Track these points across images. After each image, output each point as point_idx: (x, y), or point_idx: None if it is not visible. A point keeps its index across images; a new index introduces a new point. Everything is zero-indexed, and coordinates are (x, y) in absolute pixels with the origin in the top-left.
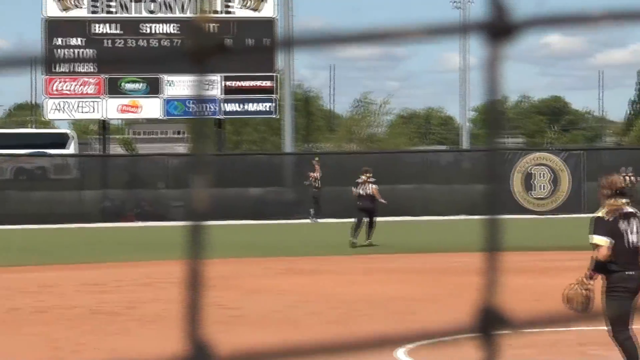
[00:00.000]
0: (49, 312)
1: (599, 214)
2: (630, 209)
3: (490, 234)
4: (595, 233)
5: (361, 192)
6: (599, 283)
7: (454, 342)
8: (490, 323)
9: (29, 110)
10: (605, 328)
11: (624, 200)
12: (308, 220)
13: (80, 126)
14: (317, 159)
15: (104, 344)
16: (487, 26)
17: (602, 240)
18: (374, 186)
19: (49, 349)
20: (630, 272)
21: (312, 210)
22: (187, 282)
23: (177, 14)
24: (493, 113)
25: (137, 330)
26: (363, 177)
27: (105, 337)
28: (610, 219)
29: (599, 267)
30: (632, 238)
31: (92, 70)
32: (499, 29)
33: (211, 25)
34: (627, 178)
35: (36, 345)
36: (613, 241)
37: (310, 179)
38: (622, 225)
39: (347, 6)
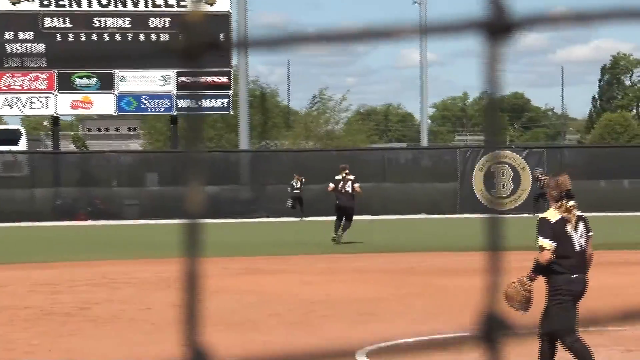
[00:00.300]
0: (1, 313)
1: (545, 214)
2: (578, 212)
3: (492, 234)
4: (540, 235)
5: (340, 189)
6: (539, 284)
7: (414, 344)
8: (493, 328)
9: None
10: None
11: (572, 203)
12: (264, 219)
13: (30, 122)
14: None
15: (59, 345)
16: (486, 25)
17: (547, 243)
18: (356, 184)
19: (2, 351)
20: (575, 275)
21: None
22: (183, 285)
23: (130, 8)
24: (492, 112)
25: (92, 331)
26: (342, 174)
27: (59, 339)
28: (556, 221)
29: (541, 269)
30: (580, 241)
31: (43, 65)
32: (498, 28)
33: (203, 21)
34: (539, 178)
35: None
36: (555, 244)
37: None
38: (568, 227)
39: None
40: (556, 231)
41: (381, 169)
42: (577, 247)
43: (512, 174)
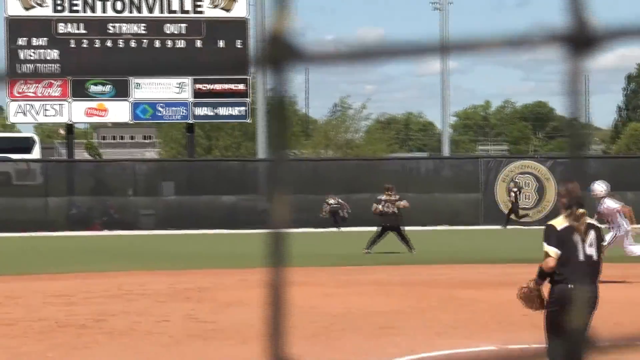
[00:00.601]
0: (14, 325)
1: (552, 221)
2: (588, 220)
3: None
4: (545, 241)
5: (385, 209)
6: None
7: (437, 358)
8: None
9: None
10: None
11: (582, 210)
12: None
13: (44, 130)
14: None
15: (74, 358)
16: (569, 38)
17: (551, 251)
18: (402, 202)
19: None
20: (571, 285)
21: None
22: (267, 296)
23: (145, 14)
24: (575, 128)
25: (107, 343)
26: (385, 194)
27: (74, 351)
28: (563, 229)
29: (544, 276)
30: (588, 251)
31: (57, 71)
32: (581, 42)
33: (287, 31)
34: (512, 191)
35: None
36: (560, 252)
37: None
38: (575, 236)
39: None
40: (562, 239)
41: (402, 178)
42: (582, 257)
43: (536, 185)
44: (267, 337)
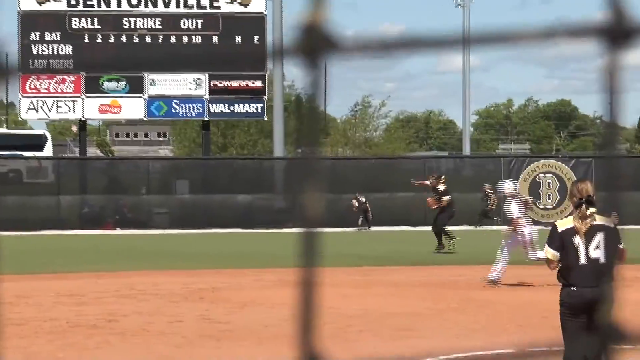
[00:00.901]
0: (25, 325)
1: (557, 221)
2: (597, 222)
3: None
4: (547, 242)
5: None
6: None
7: None
8: (610, 336)
9: (3, 110)
10: None
11: (592, 210)
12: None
13: (56, 127)
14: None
15: (84, 359)
16: (607, 31)
17: (549, 253)
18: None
19: None
20: (574, 288)
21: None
22: (299, 293)
23: (161, 9)
24: (613, 126)
25: (119, 344)
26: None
27: (85, 352)
28: (564, 230)
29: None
30: (594, 254)
31: (70, 67)
32: (618, 34)
33: (323, 23)
34: (487, 194)
35: None
36: (559, 254)
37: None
38: (576, 237)
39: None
40: (562, 240)
41: (421, 178)
42: (583, 260)
43: (558, 185)
44: (298, 335)
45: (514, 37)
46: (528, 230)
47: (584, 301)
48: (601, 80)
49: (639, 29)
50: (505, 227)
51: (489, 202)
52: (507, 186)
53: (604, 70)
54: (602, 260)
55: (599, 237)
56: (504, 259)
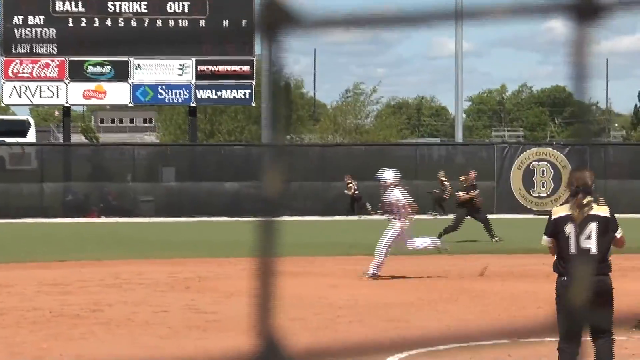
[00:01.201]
0: (7, 315)
1: (554, 208)
2: (594, 211)
3: None
4: (545, 228)
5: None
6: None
7: (448, 351)
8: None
9: None
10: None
11: (588, 199)
12: (287, 218)
13: (39, 112)
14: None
15: (68, 350)
16: (574, 7)
17: (543, 239)
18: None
19: (8, 355)
20: (565, 278)
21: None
22: (257, 274)
23: None
24: (582, 106)
25: (104, 334)
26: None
27: (69, 342)
28: (557, 218)
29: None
30: (585, 244)
31: (53, 51)
32: (586, 10)
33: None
34: (442, 182)
35: None
36: (551, 240)
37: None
38: (568, 226)
39: None
40: (555, 228)
41: (413, 165)
42: (573, 249)
43: (552, 173)
44: (256, 317)
45: (483, 13)
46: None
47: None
48: (569, 57)
49: (606, 5)
50: (387, 216)
51: (445, 190)
52: (389, 175)
53: (573, 46)
54: (593, 250)
55: (591, 227)
56: (384, 250)
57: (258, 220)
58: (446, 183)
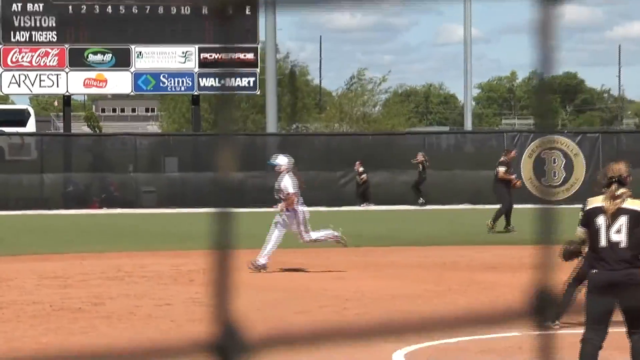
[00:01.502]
0: (7, 308)
1: (590, 199)
2: (626, 204)
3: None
4: (579, 222)
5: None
6: None
7: (455, 345)
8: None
9: None
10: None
11: (622, 191)
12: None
13: (39, 102)
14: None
15: (69, 344)
16: None
17: (578, 231)
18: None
19: (8, 349)
20: (595, 270)
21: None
22: (215, 261)
23: None
24: (545, 86)
25: (105, 329)
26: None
27: (69, 337)
28: (589, 209)
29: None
30: (614, 237)
31: (53, 39)
32: None
33: None
34: (420, 163)
35: None
36: (582, 230)
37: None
38: (599, 218)
39: None
40: (586, 220)
41: (419, 155)
42: (603, 242)
43: (564, 161)
44: (214, 304)
45: None
46: (300, 209)
47: (604, 285)
48: (534, 35)
49: None
50: (278, 205)
51: (424, 173)
52: (282, 161)
53: (537, 24)
54: (623, 244)
55: (622, 221)
56: (275, 241)
57: (215, 210)
58: (427, 164)
